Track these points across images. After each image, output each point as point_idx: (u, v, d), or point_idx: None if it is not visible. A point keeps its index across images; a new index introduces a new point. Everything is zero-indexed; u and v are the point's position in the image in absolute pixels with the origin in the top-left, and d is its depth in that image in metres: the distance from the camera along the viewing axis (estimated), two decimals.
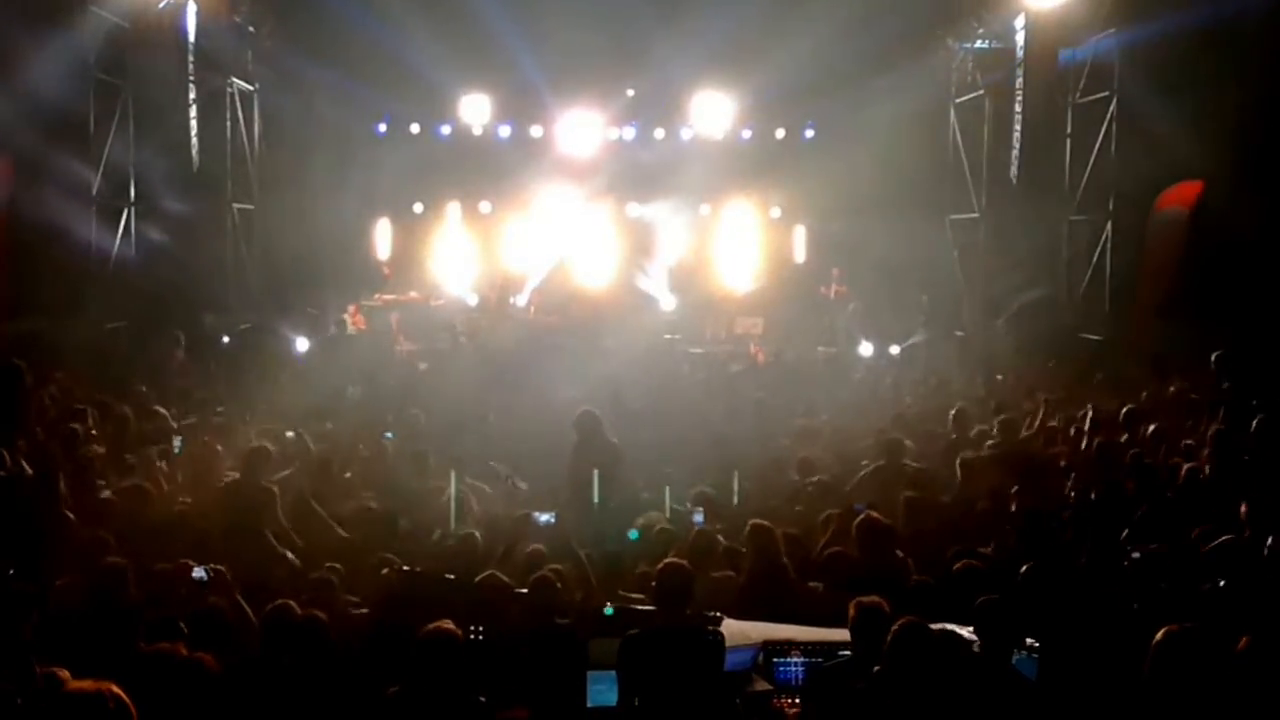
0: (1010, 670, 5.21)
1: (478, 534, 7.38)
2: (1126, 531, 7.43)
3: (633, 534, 7.70)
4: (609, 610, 6.01)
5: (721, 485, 9.16)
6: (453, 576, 6.40)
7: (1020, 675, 5.22)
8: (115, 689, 3.42)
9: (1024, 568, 6.33)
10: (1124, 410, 10.73)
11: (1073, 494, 8.63)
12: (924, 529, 7.71)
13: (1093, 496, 8.14)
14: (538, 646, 5.72)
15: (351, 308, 19.77)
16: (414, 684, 4.81)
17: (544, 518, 7.37)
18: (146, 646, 4.81)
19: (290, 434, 10.17)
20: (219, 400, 12.49)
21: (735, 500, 9.02)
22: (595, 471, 8.21)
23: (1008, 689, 5.08)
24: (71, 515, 7.48)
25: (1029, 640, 5.35)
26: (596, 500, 8.27)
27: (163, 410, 11.03)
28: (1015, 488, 8.37)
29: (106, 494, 8.15)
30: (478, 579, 6.60)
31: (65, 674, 4.30)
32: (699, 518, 7.94)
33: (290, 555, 7.28)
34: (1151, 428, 10.08)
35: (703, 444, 11.06)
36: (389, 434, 10.91)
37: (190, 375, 14.20)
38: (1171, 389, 12.20)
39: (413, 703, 4.79)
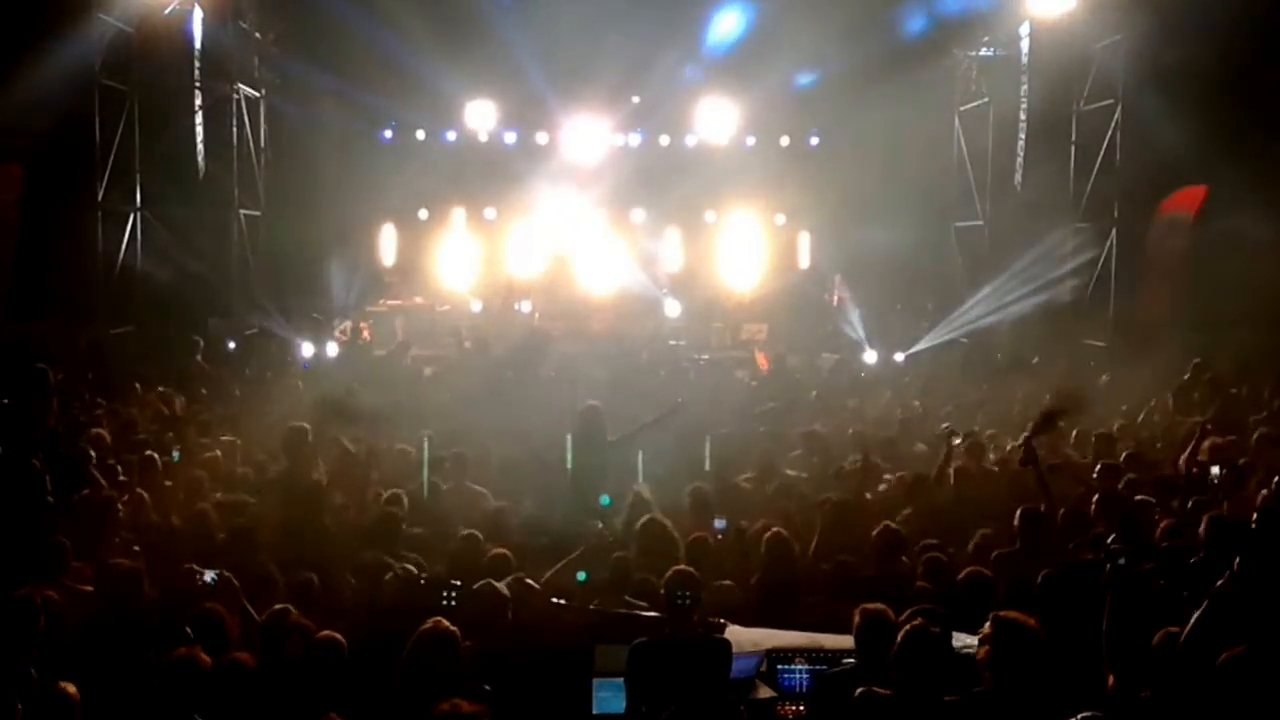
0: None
1: (480, 534, 7.39)
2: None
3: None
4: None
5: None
6: (458, 583, 6.40)
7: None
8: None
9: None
10: None
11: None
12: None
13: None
14: (539, 654, 5.71)
15: (346, 324, 19.71)
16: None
17: (602, 526, 7.37)
18: (165, 655, 4.79)
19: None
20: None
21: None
22: (569, 436, 8.08)
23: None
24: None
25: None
26: (570, 465, 8.15)
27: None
28: None
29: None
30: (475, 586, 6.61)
31: (71, 688, 4.29)
32: (720, 523, 7.92)
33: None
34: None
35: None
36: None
37: (215, 382, 14.23)
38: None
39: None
